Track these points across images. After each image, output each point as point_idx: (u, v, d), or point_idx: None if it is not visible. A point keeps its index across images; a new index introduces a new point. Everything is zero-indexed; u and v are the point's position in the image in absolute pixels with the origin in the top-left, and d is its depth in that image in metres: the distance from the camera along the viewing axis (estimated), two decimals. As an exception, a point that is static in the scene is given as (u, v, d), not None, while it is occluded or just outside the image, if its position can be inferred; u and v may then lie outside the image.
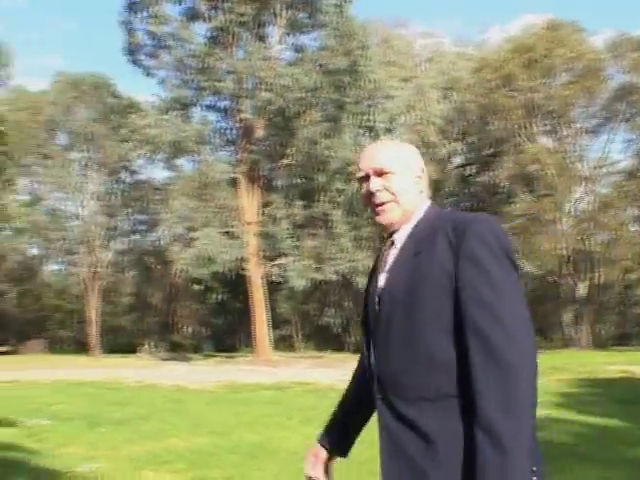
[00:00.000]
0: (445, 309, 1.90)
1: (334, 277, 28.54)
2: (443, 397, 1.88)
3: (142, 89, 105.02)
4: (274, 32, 29.10)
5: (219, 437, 8.17)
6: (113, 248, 43.80)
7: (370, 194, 2.14)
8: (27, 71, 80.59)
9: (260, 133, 28.80)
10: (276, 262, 27.97)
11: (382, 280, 2.10)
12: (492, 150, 36.49)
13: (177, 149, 28.07)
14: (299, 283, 27.85)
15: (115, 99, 39.12)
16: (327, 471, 2.31)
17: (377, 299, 2.09)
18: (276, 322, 34.12)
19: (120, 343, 41.63)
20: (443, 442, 1.85)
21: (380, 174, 2.13)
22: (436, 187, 35.36)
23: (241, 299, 35.28)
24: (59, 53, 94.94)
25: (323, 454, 2.34)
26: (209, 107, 29.64)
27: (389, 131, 30.53)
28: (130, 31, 28.68)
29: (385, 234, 2.20)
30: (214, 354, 33.92)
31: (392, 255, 2.11)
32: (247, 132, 28.60)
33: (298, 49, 29.40)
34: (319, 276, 28.08)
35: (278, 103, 26.21)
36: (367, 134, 28.55)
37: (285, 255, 27.86)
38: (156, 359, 30.16)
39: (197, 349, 39.67)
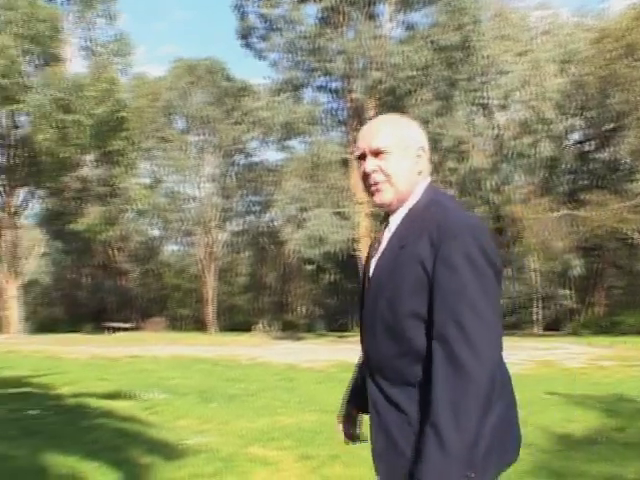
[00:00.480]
0: (424, 304, 1.94)
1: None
2: (425, 383, 1.93)
3: (255, 72, 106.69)
4: (384, 10, 28.81)
5: (328, 415, 8.23)
6: (228, 229, 44.88)
7: (366, 174, 2.15)
8: (147, 60, 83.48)
9: (371, 113, 28.63)
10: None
11: (373, 264, 2.16)
12: (613, 125, 34.81)
13: (289, 130, 28.39)
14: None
15: (229, 82, 39.94)
16: (357, 425, 2.54)
17: (368, 282, 2.16)
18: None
19: (236, 322, 42.71)
20: (418, 424, 1.94)
21: (376, 154, 2.13)
22: (552, 165, 34.18)
23: (353, 280, 35.43)
24: (176, 42, 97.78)
25: (353, 413, 2.51)
26: (320, 88, 29.78)
27: (503, 108, 29.76)
28: (243, 15, 29.18)
29: (382, 214, 2.22)
30: (326, 334, 34.26)
31: (385, 239, 2.14)
32: (358, 112, 28.54)
33: (409, 26, 29.01)
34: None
35: (389, 82, 26.01)
36: (480, 111, 27.91)
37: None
38: (269, 338, 30.75)
39: (310, 328, 40.15)
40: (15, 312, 33.87)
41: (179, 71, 40.75)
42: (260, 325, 38.28)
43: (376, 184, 2.13)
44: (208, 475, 5.25)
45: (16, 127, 34.14)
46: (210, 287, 41.16)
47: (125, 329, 37.29)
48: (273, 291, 47.35)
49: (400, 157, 2.12)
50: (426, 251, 1.95)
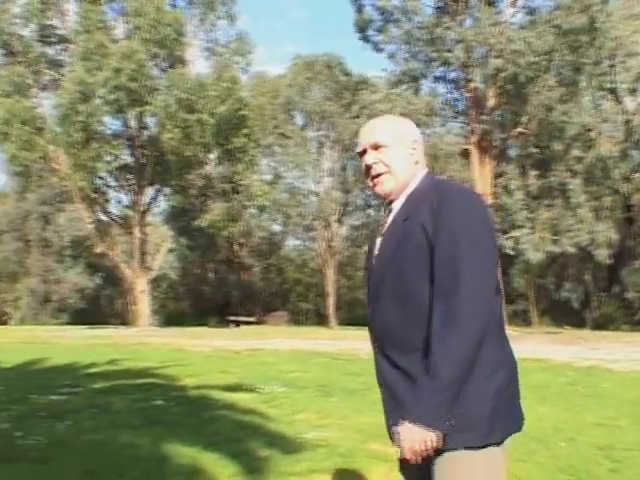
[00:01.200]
0: (427, 264, 2.16)
1: (572, 250, 27.10)
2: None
3: (372, 65, 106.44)
4: (505, -4, 27.99)
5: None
6: (348, 223, 45.04)
7: (367, 167, 2.40)
8: (268, 59, 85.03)
9: (491, 102, 27.92)
10: (510, 234, 27.07)
11: (378, 244, 2.38)
12: None
13: (407, 122, 28.09)
14: (535, 256, 26.79)
15: (346, 77, 40.06)
16: None
17: (374, 261, 2.37)
18: (510, 296, 33.16)
19: (356, 316, 42.83)
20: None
21: (376, 148, 2.37)
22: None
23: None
24: (295, 40, 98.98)
25: None
26: (438, 78, 29.29)
27: (633, 92, 28.24)
28: (359, 8, 29.13)
29: (385, 202, 2.42)
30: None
31: (389, 222, 2.36)
32: (478, 102, 27.88)
33: (530, 11, 27.97)
34: (556, 249, 26.82)
35: (510, 70, 25.22)
36: (608, 97, 26.60)
37: (519, 227, 26.87)
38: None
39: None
40: (145, 306, 35.23)
41: (298, 68, 41.26)
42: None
43: (378, 175, 2.37)
44: (326, 470, 5.19)
45: (144, 128, 35.52)
46: (330, 281, 41.43)
47: (248, 323, 38.13)
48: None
49: (397, 149, 2.36)
50: (426, 216, 2.18)
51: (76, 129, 30.64)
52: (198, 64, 35.17)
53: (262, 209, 42.62)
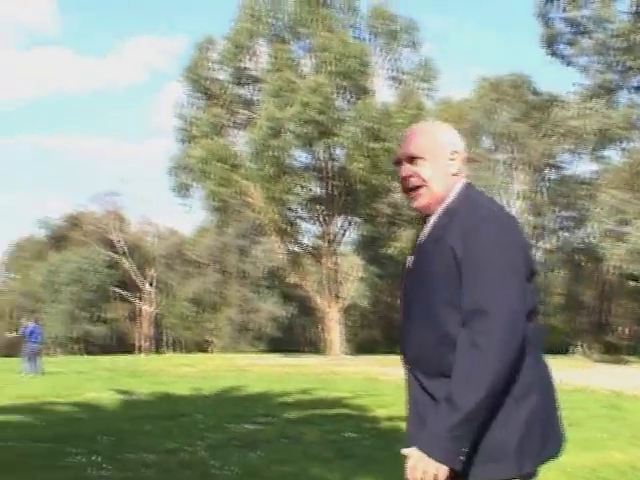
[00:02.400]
0: (454, 288, 2.06)
1: None
2: None
3: (561, 82, 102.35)
4: None
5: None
6: (541, 247, 43.24)
7: (403, 179, 2.30)
8: (452, 83, 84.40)
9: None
10: None
11: (410, 261, 2.31)
12: None
13: (603, 138, 26.54)
14: None
15: (535, 96, 38.67)
16: None
17: (405, 279, 2.31)
18: None
19: (551, 342, 40.82)
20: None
21: (411, 160, 2.26)
22: None
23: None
24: (479, 62, 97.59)
25: None
26: (637, 89, 27.42)
27: None
28: (547, 22, 28.05)
29: (423, 216, 2.32)
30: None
31: (423, 236, 2.27)
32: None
33: None
34: None
35: None
36: None
37: None
38: (589, 360, 28.77)
39: (635, 351, 36.92)
40: (337, 334, 35.57)
41: (483, 90, 40.49)
42: (579, 347, 36.06)
43: (413, 189, 2.28)
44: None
45: (332, 159, 36.23)
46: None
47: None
48: (591, 311, 44.51)
49: (434, 162, 2.25)
50: (457, 241, 2.08)
51: (268, 164, 31.84)
52: (383, 93, 35.54)
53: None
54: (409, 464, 2.03)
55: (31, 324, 22.49)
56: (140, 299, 57.57)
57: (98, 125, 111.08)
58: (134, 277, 56.98)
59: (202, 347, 52.40)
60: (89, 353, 48.94)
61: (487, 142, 42.21)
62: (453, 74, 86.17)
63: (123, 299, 58.28)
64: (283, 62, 33.21)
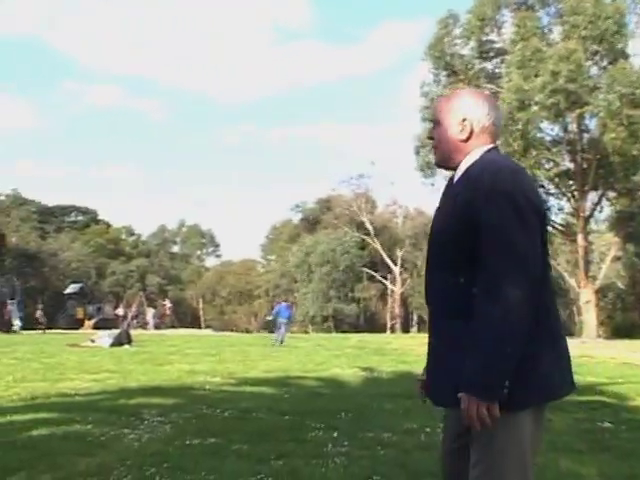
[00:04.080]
0: (472, 241, 2.30)
1: None
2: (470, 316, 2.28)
3: None
4: None
5: None
6: None
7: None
8: None
9: None
10: None
11: (435, 213, 2.61)
12: None
13: None
14: None
15: None
16: None
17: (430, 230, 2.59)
18: None
19: None
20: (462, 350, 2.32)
21: (433, 122, 2.63)
22: None
23: None
24: None
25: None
26: None
27: None
28: None
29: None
30: None
31: (446, 193, 2.58)
32: None
33: None
34: None
35: None
36: None
37: None
38: None
39: None
40: (591, 317, 33.67)
41: None
42: None
43: (433, 147, 2.63)
44: None
45: (584, 131, 34.10)
46: None
47: None
48: None
49: (444, 127, 2.54)
50: (474, 193, 2.32)
51: (515, 138, 30.66)
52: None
53: None
54: (462, 407, 2.26)
55: (283, 303, 26.22)
56: (388, 279, 58.63)
57: (349, 111, 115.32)
58: (383, 257, 58.11)
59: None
60: (340, 331, 50.77)
61: None
62: None
63: (372, 279, 59.74)
64: (529, 31, 31.74)
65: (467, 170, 2.45)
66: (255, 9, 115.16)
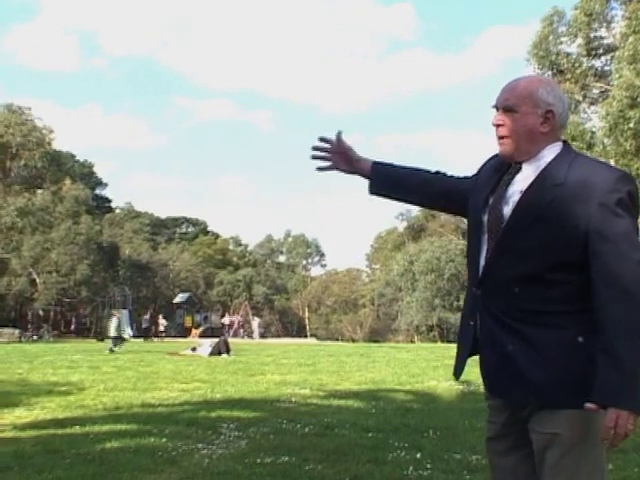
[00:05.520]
0: (577, 247, 2.17)
1: None
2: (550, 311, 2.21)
3: None
4: None
5: None
6: None
7: (494, 125, 2.38)
8: None
9: None
10: None
11: (515, 196, 2.31)
12: None
13: None
14: None
15: None
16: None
17: (504, 211, 2.31)
18: None
19: None
20: (544, 345, 2.22)
21: (505, 110, 2.33)
22: None
23: None
24: None
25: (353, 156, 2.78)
26: None
27: None
28: None
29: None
30: None
31: (520, 181, 2.33)
32: None
33: None
34: None
35: None
36: None
37: None
38: None
39: None
40: None
41: None
42: None
43: (500, 137, 2.35)
44: None
45: None
46: None
47: None
48: None
49: (525, 116, 2.29)
50: (584, 204, 2.15)
51: (626, 137, 29.13)
52: None
53: None
54: (608, 424, 2.09)
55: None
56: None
57: (460, 119, 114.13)
58: (487, 265, 56.72)
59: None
60: (445, 340, 49.75)
61: None
62: None
63: (477, 287, 58.28)
64: (641, 23, 30.09)
65: (551, 164, 2.28)
66: (361, 20, 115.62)
